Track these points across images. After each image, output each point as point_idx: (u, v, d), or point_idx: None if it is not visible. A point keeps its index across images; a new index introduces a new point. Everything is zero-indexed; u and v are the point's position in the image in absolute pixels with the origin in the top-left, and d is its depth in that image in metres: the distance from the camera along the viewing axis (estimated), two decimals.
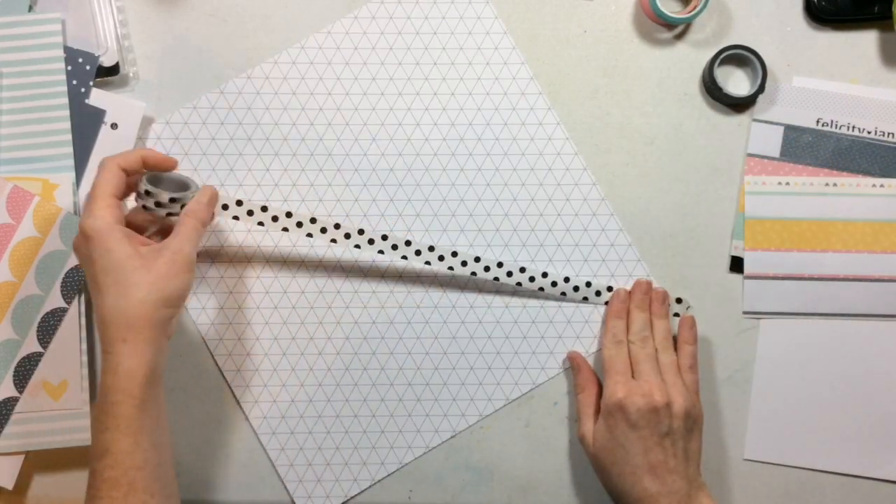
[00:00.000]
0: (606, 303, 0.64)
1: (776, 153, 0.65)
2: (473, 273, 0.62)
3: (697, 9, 0.63)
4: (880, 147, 0.65)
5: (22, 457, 0.61)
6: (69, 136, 0.62)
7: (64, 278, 0.61)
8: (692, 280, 0.65)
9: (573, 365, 0.64)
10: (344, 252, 0.64)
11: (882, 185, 0.64)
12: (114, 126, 0.63)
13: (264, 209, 0.59)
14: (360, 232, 0.60)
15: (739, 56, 0.65)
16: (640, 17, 0.66)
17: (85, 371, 0.61)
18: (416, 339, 0.64)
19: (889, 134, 0.65)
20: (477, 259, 0.62)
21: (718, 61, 0.64)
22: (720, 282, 0.65)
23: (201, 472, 0.64)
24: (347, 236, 0.60)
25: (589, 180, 0.65)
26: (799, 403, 0.64)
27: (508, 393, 0.64)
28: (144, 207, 0.55)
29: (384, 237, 0.61)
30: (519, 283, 0.63)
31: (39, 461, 0.63)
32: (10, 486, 0.61)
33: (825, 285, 0.64)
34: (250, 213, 0.59)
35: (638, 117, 0.66)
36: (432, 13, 0.65)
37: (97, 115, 0.63)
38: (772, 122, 0.65)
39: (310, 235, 0.60)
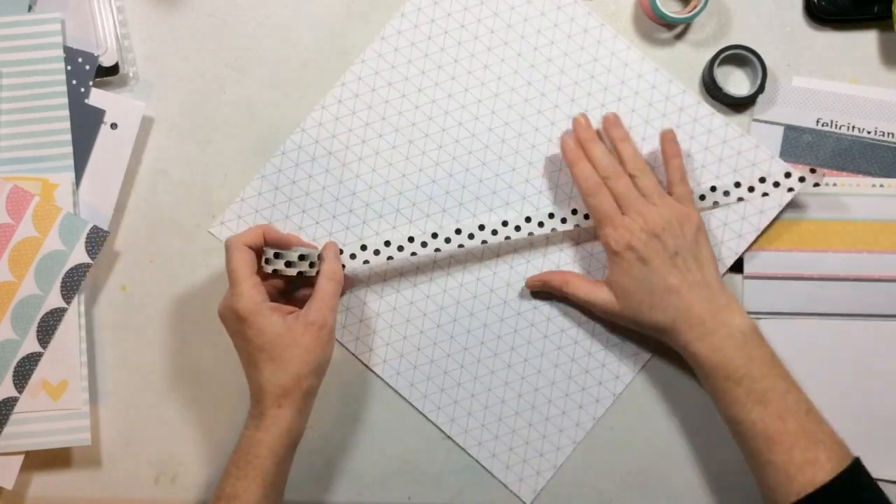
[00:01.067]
0: (740, 199, 0.63)
1: (776, 153, 0.65)
2: (577, 225, 0.63)
3: (697, 9, 0.63)
4: (880, 147, 0.65)
5: (22, 457, 0.61)
6: (69, 136, 0.62)
7: (63, 278, 0.61)
8: None
9: (536, 285, 0.64)
10: (471, 257, 0.65)
11: (882, 185, 0.64)
12: (113, 126, 0.63)
13: (388, 243, 0.62)
14: (458, 232, 0.62)
15: (739, 56, 0.65)
16: (640, 17, 0.66)
17: (85, 371, 0.61)
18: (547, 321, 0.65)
19: (889, 134, 0.65)
20: (574, 211, 0.63)
21: (718, 61, 0.64)
22: None
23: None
24: (450, 239, 0.62)
25: (679, 89, 0.64)
26: None
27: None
28: (275, 272, 0.57)
29: (481, 227, 0.62)
30: None
31: (39, 461, 0.63)
32: (9, 485, 0.61)
33: (825, 285, 0.64)
34: (377, 252, 0.62)
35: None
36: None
37: (97, 115, 0.63)
38: (772, 122, 0.65)
39: (435, 249, 0.62)
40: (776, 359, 0.56)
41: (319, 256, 0.58)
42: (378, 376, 0.64)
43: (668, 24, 0.65)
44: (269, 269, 0.57)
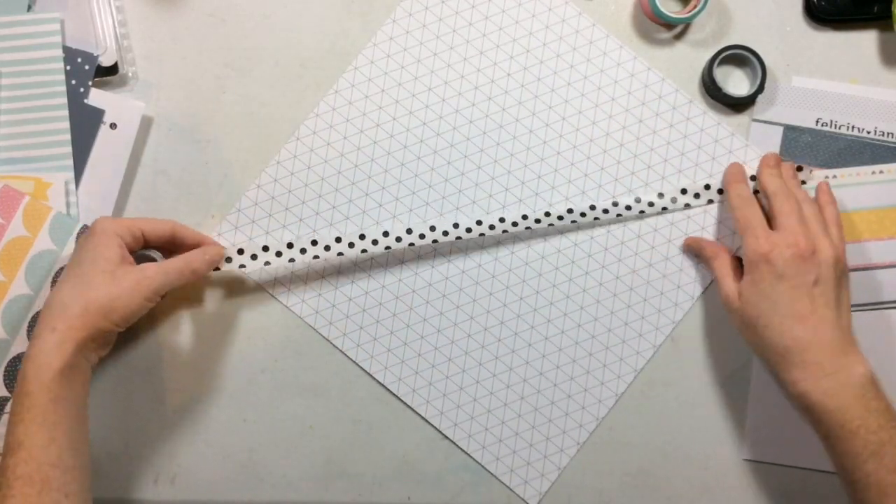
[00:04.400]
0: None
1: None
2: (583, 214, 0.63)
3: (697, 9, 0.63)
4: (880, 147, 0.65)
5: None
6: (68, 136, 0.62)
7: (54, 278, 0.60)
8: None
9: (694, 247, 0.63)
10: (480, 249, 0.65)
11: (882, 172, 0.64)
12: (113, 126, 0.63)
13: (290, 245, 0.62)
14: (451, 227, 0.61)
15: (739, 56, 0.65)
16: (639, 17, 0.66)
17: None
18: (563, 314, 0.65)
19: (889, 134, 0.65)
20: (592, 207, 0.63)
21: (718, 61, 0.64)
22: None
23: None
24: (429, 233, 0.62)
25: (671, 88, 0.65)
26: None
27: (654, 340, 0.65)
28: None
29: (479, 222, 0.62)
30: (642, 211, 0.64)
31: None
32: None
33: None
34: (279, 254, 0.62)
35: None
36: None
37: (96, 115, 0.63)
38: (771, 123, 0.65)
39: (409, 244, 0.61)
40: (892, 410, 0.54)
41: None
42: (379, 383, 0.64)
43: (668, 23, 0.65)
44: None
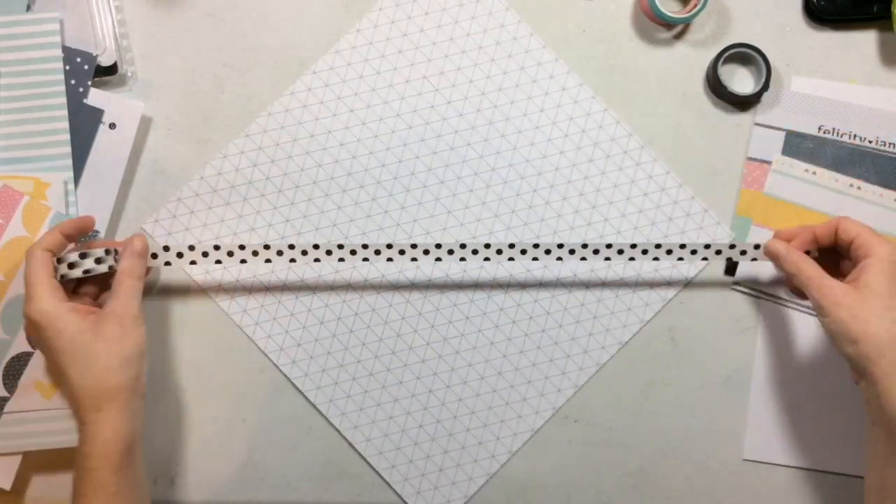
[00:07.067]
0: (680, 259, 0.61)
1: (777, 156, 0.64)
2: (535, 259, 0.60)
3: (696, 9, 0.63)
4: (880, 157, 0.64)
5: (19, 457, 0.61)
6: (67, 136, 0.62)
7: None
8: (691, 281, 0.65)
9: (773, 254, 0.59)
10: (400, 270, 0.64)
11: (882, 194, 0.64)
12: (112, 126, 0.63)
13: (217, 248, 0.59)
14: (389, 247, 0.59)
15: (743, 55, 0.65)
16: (639, 16, 0.66)
17: None
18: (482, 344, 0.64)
19: (889, 144, 0.64)
20: (536, 245, 0.60)
21: (722, 60, 0.64)
22: (717, 283, 0.65)
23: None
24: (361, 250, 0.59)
25: (637, 144, 0.65)
26: (798, 403, 0.64)
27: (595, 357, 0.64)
28: (63, 279, 0.55)
29: (438, 246, 0.59)
30: (602, 253, 0.60)
31: (37, 462, 0.63)
32: (7, 486, 0.61)
33: None
34: (205, 254, 0.59)
35: (637, 117, 0.66)
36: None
37: (95, 115, 0.62)
38: (773, 127, 0.65)
39: (293, 260, 0.59)
40: None
41: (117, 252, 0.57)
42: (297, 387, 0.64)
43: (668, 23, 0.65)
44: (57, 275, 0.55)
